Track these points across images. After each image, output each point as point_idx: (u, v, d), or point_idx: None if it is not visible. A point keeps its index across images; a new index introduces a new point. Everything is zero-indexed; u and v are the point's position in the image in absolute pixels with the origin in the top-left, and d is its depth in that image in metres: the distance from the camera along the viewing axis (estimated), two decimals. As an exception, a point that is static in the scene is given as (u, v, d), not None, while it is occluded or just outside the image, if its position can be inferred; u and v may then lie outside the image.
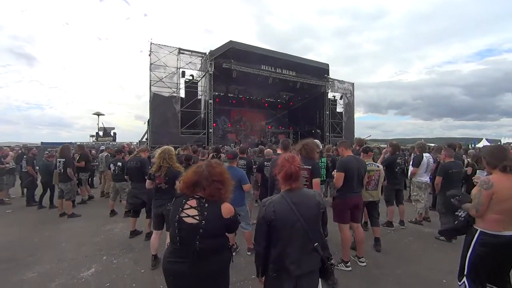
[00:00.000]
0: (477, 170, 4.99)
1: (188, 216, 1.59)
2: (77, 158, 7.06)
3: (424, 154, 4.99)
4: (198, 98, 16.35)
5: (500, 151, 2.14)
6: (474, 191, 2.11)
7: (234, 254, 3.53)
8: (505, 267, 2.03)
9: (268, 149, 5.80)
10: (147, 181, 3.53)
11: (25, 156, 7.40)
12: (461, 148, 6.79)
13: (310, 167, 3.00)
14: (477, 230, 2.06)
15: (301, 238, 1.59)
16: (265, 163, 4.88)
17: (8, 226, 5.17)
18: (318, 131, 20.95)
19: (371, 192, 3.83)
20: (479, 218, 2.07)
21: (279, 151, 5.20)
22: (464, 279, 2.12)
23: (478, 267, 2.05)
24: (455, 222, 2.24)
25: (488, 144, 15.70)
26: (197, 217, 1.59)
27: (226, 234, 1.74)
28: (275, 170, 1.78)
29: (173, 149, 3.56)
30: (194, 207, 1.61)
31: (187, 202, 1.64)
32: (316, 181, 3.02)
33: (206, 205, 1.62)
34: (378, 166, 3.99)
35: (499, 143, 17.69)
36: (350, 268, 3.28)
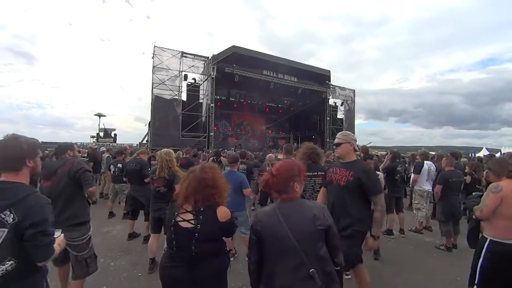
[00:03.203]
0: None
1: (184, 220, 1.58)
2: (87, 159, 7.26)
3: (425, 162, 4.98)
4: (200, 101, 16.46)
5: (505, 160, 2.31)
6: (484, 195, 2.18)
7: (232, 259, 3.52)
8: None
9: (270, 154, 5.79)
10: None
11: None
12: (461, 157, 6.80)
13: (323, 173, 2.91)
14: (487, 238, 2.08)
15: (293, 259, 1.30)
16: (267, 168, 4.87)
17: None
18: (318, 136, 20.97)
19: None
20: (488, 226, 2.10)
21: (280, 156, 5.20)
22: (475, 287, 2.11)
23: (490, 277, 2.04)
24: (468, 222, 2.42)
25: (488, 153, 15.71)
26: (192, 221, 1.57)
27: (224, 238, 1.72)
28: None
29: (173, 152, 3.56)
30: (190, 211, 1.60)
31: (183, 206, 1.63)
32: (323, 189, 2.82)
33: (202, 209, 1.60)
34: (377, 174, 3.97)
35: (499, 153, 17.68)
36: (349, 277, 3.23)
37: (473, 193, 2.64)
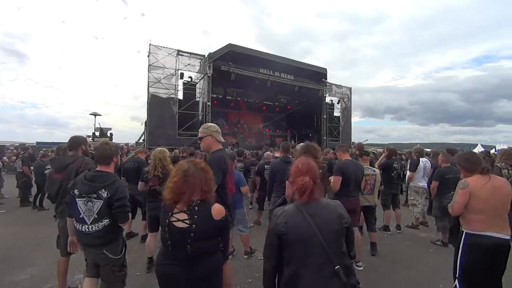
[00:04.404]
0: None
1: (178, 220, 1.55)
2: None
3: (420, 159, 5.03)
4: (196, 100, 16.35)
5: (474, 156, 2.37)
6: (455, 192, 2.26)
7: (230, 257, 3.53)
8: (495, 271, 2.05)
9: (267, 152, 5.80)
10: (140, 183, 3.54)
11: (20, 156, 7.33)
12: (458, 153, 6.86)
13: (320, 170, 3.10)
14: (464, 232, 2.15)
15: (319, 258, 1.30)
16: (265, 166, 4.87)
17: (1, 226, 5.09)
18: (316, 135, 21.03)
19: (366, 196, 3.83)
20: (464, 221, 2.17)
21: (277, 154, 5.21)
22: (456, 282, 2.16)
23: (469, 270, 2.09)
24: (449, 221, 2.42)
25: (483, 149, 15.88)
26: (187, 221, 1.54)
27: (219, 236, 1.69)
28: (289, 178, 1.53)
29: (166, 150, 3.57)
30: (184, 211, 1.57)
31: (176, 206, 1.59)
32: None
33: (196, 208, 1.57)
34: (374, 171, 3.99)
35: (493, 149, 17.90)
36: (361, 268, 3.35)
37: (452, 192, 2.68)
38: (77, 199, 1.97)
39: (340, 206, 1.46)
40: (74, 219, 2.04)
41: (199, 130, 2.41)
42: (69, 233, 2.29)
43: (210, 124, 2.43)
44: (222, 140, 2.40)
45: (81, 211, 1.96)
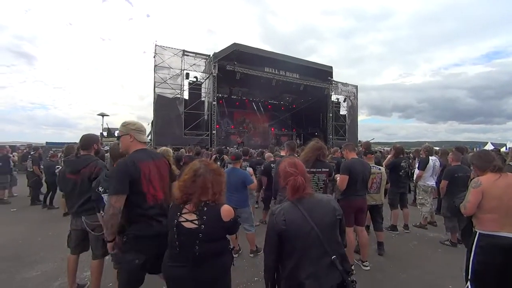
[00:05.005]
0: None
1: (187, 220, 1.54)
2: None
3: (430, 157, 4.94)
4: (202, 99, 16.45)
5: (486, 154, 2.32)
6: (467, 191, 2.22)
7: (236, 256, 3.54)
8: (509, 273, 1.98)
9: (268, 153, 5.78)
10: None
11: (30, 156, 7.48)
12: (467, 152, 6.72)
13: (328, 169, 3.11)
14: (477, 232, 2.10)
15: (317, 250, 1.40)
16: (272, 165, 4.86)
17: (12, 224, 5.21)
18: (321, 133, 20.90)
19: (373, 195, 3.78)
20: (477, 221, 2.13)
21: (283, 153, 5.19)
22: (468, 284, 2.11)
23: (482, 271, 2.04)
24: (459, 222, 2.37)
25: (493, 147, 15.54)
26: (196, 222, 1.53)
27: (227, 236, 1.71)
28: (279, 180, 1.60)
29: (170, 150, 3.60)
30: (193, 212, 1.56)
31: (185, 206, 1.58)
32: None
33: (205, 208, 1.56)
34: (379, 169, 3.93)
35: (504, 147, 17.51)
36: (368, 268, 3.32)
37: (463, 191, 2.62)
38: (103, 195, 2.23)
39: (332, 200, 1.58)
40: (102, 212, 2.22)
41: (119, 128, 2.05)
42: (103, 226, 2.33)
43: (130, 121, 2.04)
44: (145, 139, 2.06)
45: None
